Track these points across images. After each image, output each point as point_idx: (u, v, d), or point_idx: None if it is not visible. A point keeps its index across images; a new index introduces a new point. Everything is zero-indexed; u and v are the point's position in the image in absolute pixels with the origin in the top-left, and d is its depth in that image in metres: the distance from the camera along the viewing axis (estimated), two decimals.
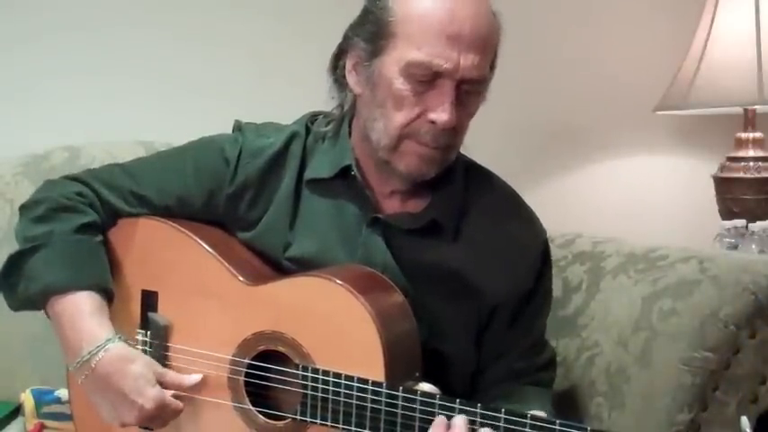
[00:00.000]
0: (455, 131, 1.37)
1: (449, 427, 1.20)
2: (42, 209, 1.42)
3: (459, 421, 1.19)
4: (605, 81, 2.43)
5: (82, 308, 1.35)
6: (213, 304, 1.38)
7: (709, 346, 1.40)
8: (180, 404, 1.35)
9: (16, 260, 1.39)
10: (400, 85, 1.33)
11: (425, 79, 1.32)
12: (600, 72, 2.43)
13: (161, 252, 1.44)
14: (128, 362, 1.32)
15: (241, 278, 1.38)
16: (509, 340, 1.45)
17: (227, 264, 1.39)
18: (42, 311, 1.40)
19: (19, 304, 1.41)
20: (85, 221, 1.42)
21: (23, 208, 1.45)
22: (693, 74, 2.21)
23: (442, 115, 1.32)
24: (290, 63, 2.25)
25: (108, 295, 1.40)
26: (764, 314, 1.41)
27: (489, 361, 1.45)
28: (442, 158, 1.39)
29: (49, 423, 1.67)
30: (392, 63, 1.34)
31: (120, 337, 1.34)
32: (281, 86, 2.21)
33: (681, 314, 1.45)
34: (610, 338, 1.57)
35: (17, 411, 1.77)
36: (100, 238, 1.43)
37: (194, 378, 1.37)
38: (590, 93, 2.43)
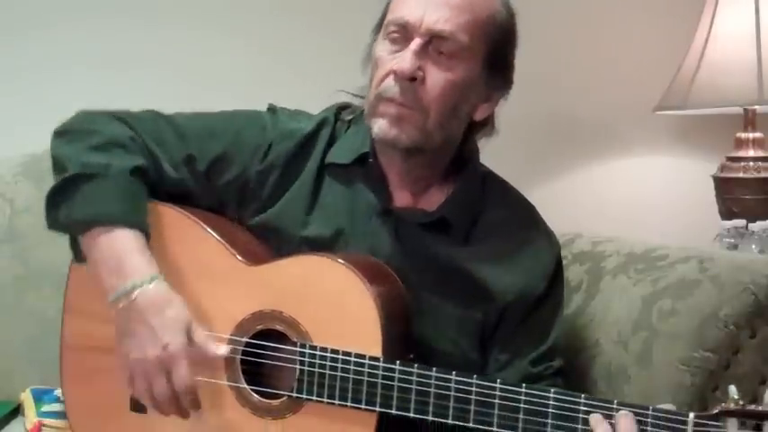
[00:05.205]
0: (424, 89, 1.37)
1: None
2: (99, 139, 1.41)
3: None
4: (605, 81, 2.43)
5: (131, 243, 1.34)
6: (212, 284, 1.38)
7: (708, 346, 1.40)
8: (192, 385, 1.31)
9: (72, 181, 1.37)
10: (379, 49, 1.40)
11: (397, 36, 1.38)
12: (600, 72, 2.43)
13: (160, 233, 1.43)
14: (167, 303, 1.32)
15: (240, 258, 1.38)
16: (520, 342, 1.44)
17: (226, 243, 1.40)
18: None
19: (56, 225, 1.39)
20: (139, 164, 1.41)
21: (71, 132, 1.43)
22: (693, 74, 2.21)
23: (401, 64, 1.36)
24: (296, 60, 2.25)
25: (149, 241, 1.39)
26: (764, 314, 1.41)
27: (502, 365, 1.44)
28: (413, 120, 1.38)
29: (48, 422, 1.66)
30: (380, 37, 1.41)
31: (164, 278, 1.34)
32: (287, 83, 2.21)
33: (681, 314, 1.45)
34: (610, 338, 1.57)
35: (17, 411, 1.77)
36: (146, 189, 1.42)
37: (221, 350, 1.33)
38: (590, 92, 2.42)
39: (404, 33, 1.37)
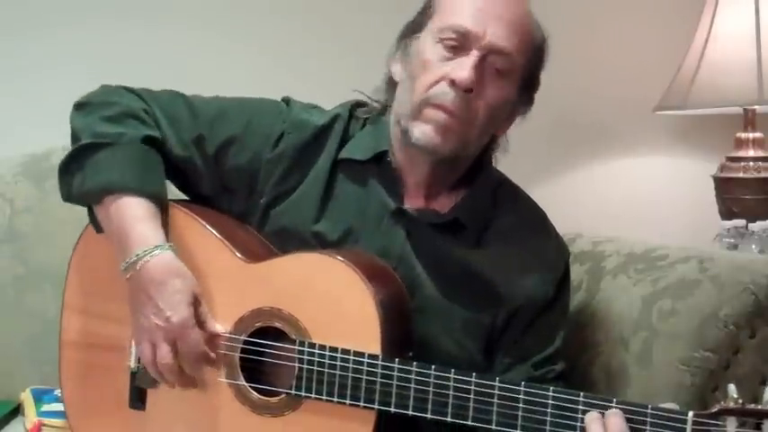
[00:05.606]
0: (476, 104, 1.37)
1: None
2: (114, 110, 1.42)
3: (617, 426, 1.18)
4: (605, 81, 2.43)
5: (138, 211, 1.35)
6: (211, 282, 1.38)
7: (708, 346, 1.40)
8: (204, 348, 1.33)
9: (83, 151, 1.38)
10: (429, 52, 1.38)
11: (455, 44, 1.37)
12: (600, 72, 2.43)
13: None
14: (172, 275, 1.32)
15: (239, 255, 1.38)
16: (526, 346, 1.44)
17: (225, 241, 1.40)
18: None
19: (71, 195, 1.41)
20: (153, 135, 1.42)
21: (89, 105, 1.45)
22: (693, 74, 2.21)
23: (460, 73, 1.35)
24: (296, 60, 2.25)
25: (164, 209, 1.39)
26: (764, 314, 1.41)
27: (505, 367, 1.44)
28: (458, 131, 1.38)
29: (48, 421, 1.66)
30: (427, 35, 1.40)
31: (170, 246, 1.34)
32: (287, 84, 2.19)
33: (681, 314, 1.45)
34: (610, 338, 1.57)
35: (17, 410, 1.77)
36: (161, 158, 1.43)
37: (217, 327, 1.35)
38: (590, 93, 2.42)
39: (462, 42, 1.37)
